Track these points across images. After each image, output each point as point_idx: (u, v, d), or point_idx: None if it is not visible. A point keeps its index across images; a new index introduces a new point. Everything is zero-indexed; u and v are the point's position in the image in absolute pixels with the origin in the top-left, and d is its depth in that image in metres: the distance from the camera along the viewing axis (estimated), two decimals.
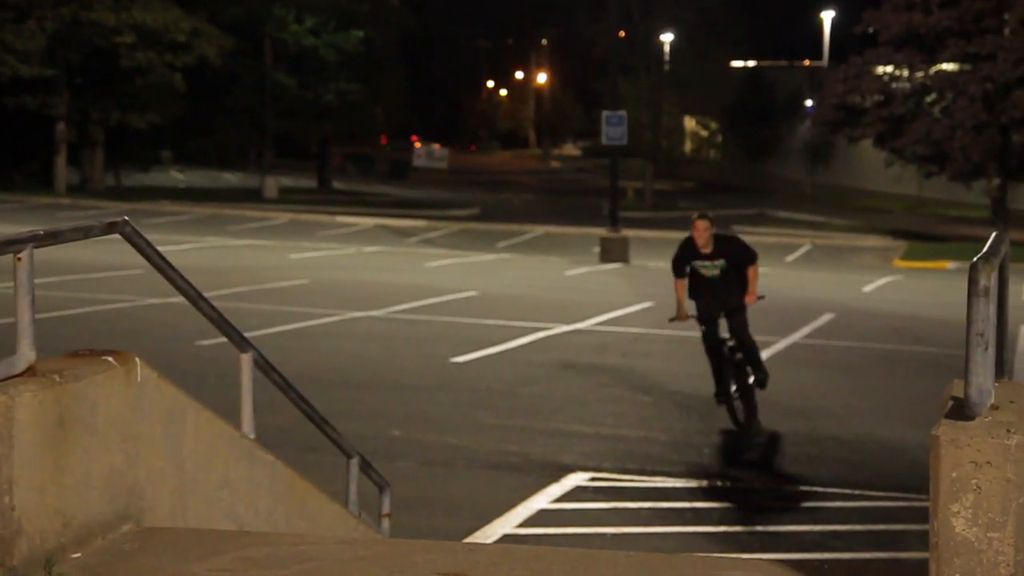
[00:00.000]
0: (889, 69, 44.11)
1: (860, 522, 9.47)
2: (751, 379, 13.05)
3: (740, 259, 13.17)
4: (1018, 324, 17.76)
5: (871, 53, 44.49)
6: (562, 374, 16.03)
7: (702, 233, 12.78)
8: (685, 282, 13.35)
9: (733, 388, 13.03)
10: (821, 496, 10.56)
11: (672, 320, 13.59)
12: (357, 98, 52.93)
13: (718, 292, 13.06)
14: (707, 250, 12.94)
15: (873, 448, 12.51)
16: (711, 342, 13.17)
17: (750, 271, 13.18)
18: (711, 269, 12.85)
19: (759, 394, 13.16)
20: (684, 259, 13.17)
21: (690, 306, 13.37)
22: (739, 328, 13.11)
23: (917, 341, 19.49)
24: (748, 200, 60.75)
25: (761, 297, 13.53)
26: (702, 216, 13.14)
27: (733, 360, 13.11)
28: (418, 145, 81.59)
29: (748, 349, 13.20)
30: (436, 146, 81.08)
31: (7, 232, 4.85)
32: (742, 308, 13.11)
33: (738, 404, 12.98)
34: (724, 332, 13.32)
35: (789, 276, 30.28)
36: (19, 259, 4.54)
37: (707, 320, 13.11)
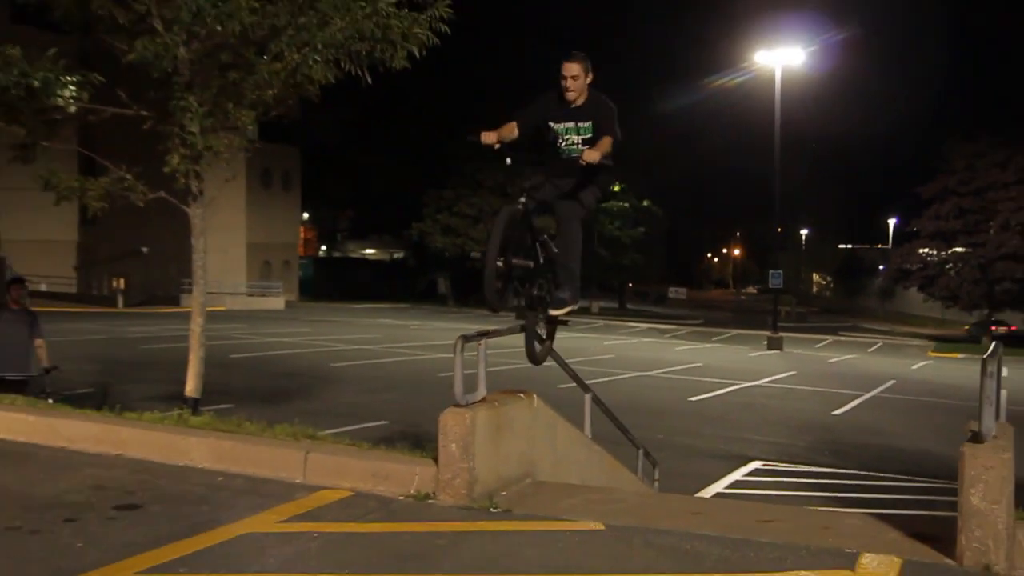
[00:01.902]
0: (925, 251, 69.39)
1: (916, 495, 12.83)
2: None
3: (608, 124, 7.24)
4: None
5: (915, 242, 70.64)
6: (747, 408, 22.97)
7: (576, 79, 7.25)
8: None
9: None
10: (893, 480, 14.27)
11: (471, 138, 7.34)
12: (639, 262, 77.67)
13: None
14: (579, 103, 7.35)
15: (921, 455, 16.79)
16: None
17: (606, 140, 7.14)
18: (572, 135, 7.41)
19: None
20: (535, 112, 7.49)
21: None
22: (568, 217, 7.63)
23: (945, 397, 27.53)
24: (846, 319, 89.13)
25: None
26: (573, 57, 7.28)
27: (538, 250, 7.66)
28: (672, 288, 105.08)
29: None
30: (681, 288, 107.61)
31: (471, 331, 7.64)
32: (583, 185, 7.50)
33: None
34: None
35: (870, 359, 42.90)
36: (480, 344, 6.94)
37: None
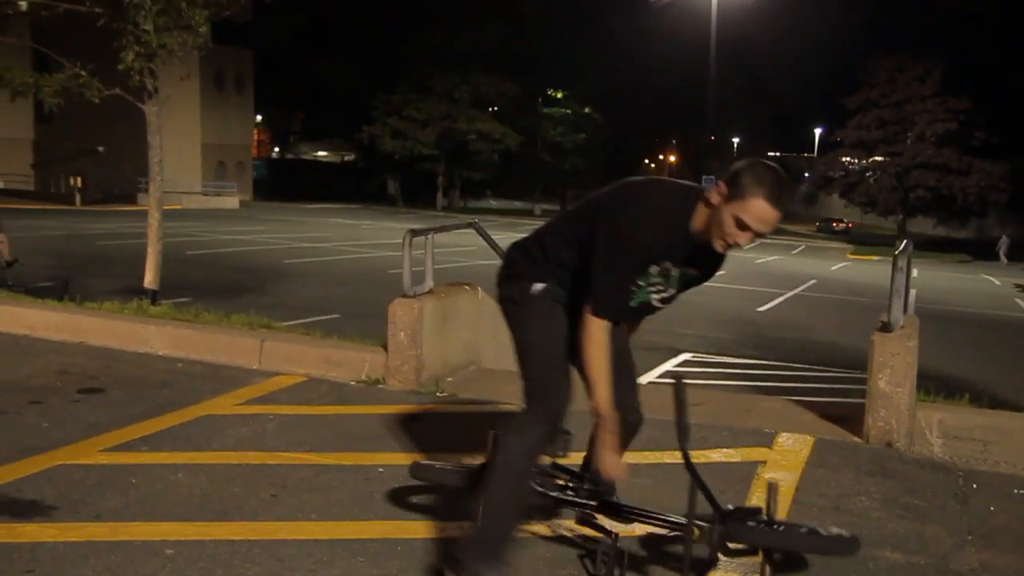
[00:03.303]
0: (847, 159, 70.40)
1: (830, 383, 12.60)
2: None
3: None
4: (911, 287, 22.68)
5: (838, 151, 70.83)
6: (678, 303, 22.18)
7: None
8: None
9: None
10: (810, 370, 14.05)
11: None
12: (580, 167, 76.45)
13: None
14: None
15: (836, 348, 16.51)
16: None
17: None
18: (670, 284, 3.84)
19: None
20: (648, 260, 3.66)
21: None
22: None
23: (860, 295, 27.18)
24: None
25: None
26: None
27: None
28: None
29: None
30: None
31: (419, 227, 7.72)
32: None
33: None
34: None
35: (794, 261, 42.57)
36: (428, 238, 6.98)
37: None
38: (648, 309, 3.87)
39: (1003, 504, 4.93)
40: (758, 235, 3.38)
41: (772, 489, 3.73)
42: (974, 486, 5.18)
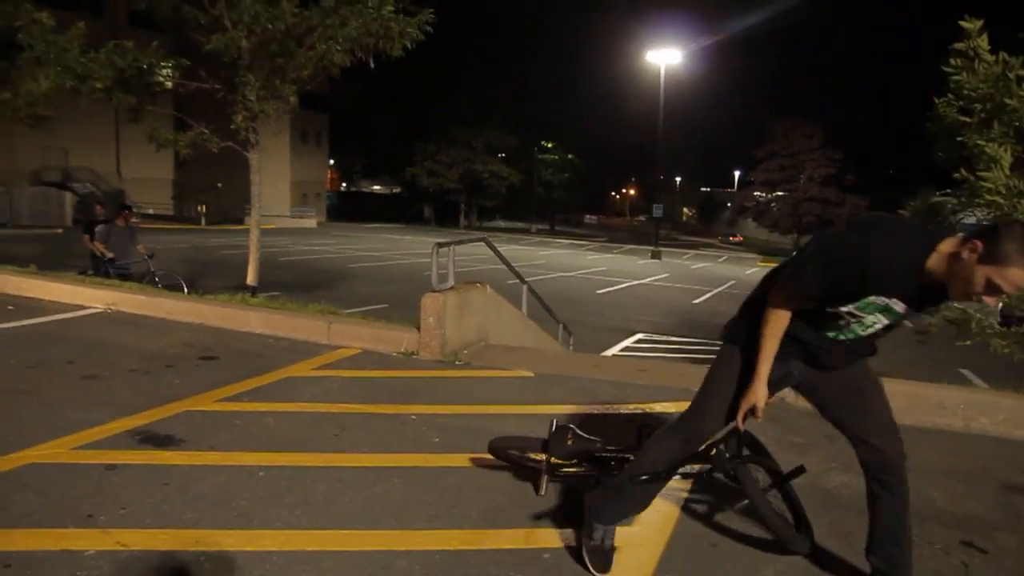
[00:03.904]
0: (758, 193, 69.01)
1: None
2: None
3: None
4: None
5: (751, 187, 70.80)
6: (635, 297, 22.02)
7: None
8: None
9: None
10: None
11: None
12: (564, 198, 77.01)
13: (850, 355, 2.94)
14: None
15: None
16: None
17: None
18: (880, 318, 2.73)
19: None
20: (855, 294, 2.64)
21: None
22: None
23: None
24: (704, 239, 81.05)
25: None
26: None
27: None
28: (587, 215, 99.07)
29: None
30: (593, 216, 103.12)
31: (444, 240, 7.74)
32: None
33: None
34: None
35: (719, 267, 40.61)
36: (450, 249, 7.01)
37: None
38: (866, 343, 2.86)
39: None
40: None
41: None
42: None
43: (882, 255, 2.53)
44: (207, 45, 9.80)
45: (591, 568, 3.13)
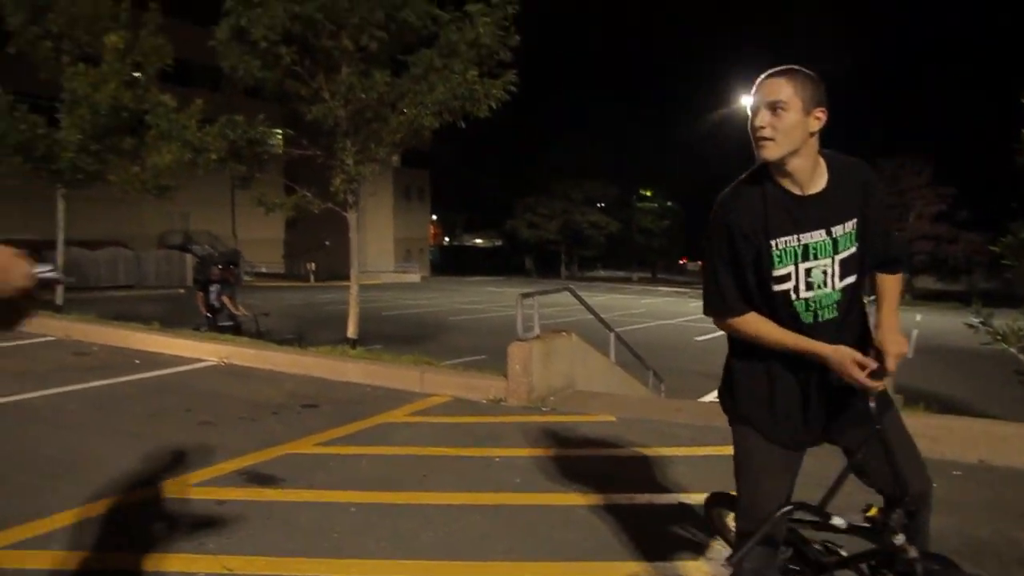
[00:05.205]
0: None
1: None
2: None
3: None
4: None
5: None
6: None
7: (785, 114, 2.16)
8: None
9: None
10: None
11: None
12: (665, 245, 76.43)
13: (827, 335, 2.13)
14: (814, 190, 2.15)
15: None
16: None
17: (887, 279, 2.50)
18: (818, 263, 2.12)
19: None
20: (746, 251, 2.27)
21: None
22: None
23: None
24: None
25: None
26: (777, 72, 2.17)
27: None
28: (688, 262, 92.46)
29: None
30: (696, 263, 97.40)
31: (528, 291, 7.91)
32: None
33: None
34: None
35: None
36: (534, 300, 7.46)
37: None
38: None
39: (941, 481, 4.86)
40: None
41: None
42: None
43: (726, 193, 2.40)
44: (308, 115, 10.51)
45: None
